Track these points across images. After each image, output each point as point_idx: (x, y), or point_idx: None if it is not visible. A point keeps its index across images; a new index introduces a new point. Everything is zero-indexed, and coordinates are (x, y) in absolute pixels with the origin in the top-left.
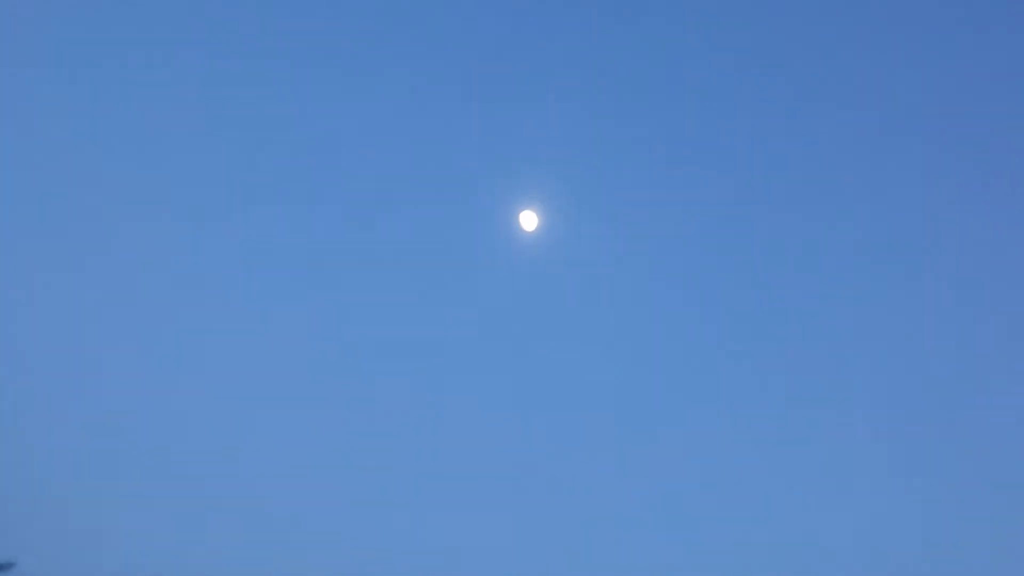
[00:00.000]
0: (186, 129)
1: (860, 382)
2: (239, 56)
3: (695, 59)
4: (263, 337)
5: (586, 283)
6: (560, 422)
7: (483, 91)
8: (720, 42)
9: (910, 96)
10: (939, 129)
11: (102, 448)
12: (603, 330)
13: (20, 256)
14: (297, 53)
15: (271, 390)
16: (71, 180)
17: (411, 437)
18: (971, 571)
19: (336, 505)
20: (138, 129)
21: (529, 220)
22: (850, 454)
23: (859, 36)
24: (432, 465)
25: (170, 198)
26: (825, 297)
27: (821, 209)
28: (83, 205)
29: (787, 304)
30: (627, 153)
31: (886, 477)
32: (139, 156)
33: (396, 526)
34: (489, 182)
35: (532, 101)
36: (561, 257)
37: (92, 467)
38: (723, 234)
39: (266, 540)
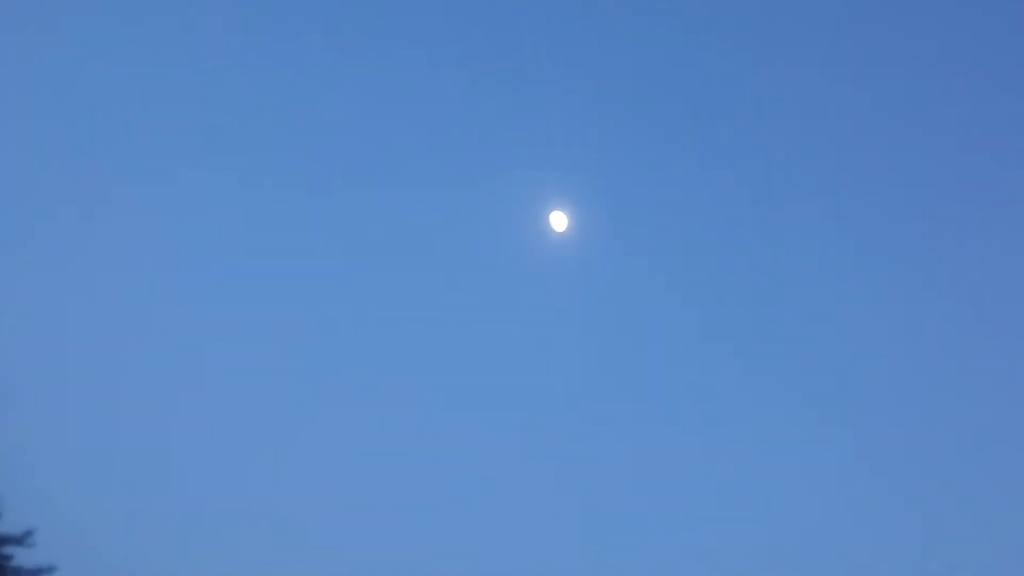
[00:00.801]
0: (195, 128)
1: (877, 385)
2: (251, 51)
3: (729, 66)
4: (288, 338)
5: (615, 284)
6: (585, 420)
7: (514, 92)
8: (759, 53)
9: (918, 100)
10: (943, 130)
11: (114, 449)
12: (632, 330)
13: (19, 256)
14: (324, 50)
15: (298, 393)
16: (70, 179)
17: (434, 436)
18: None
19: (355, 506)
20: (141, 124)
21: (559, 221)
22: (860, 455)
23: (878, 41)
24: (452, 465)
25: (182, 192)
26: (844, 297)
27: (852, 212)
28: (82, 205)
29: (823, 302)
30: (657, 154)
31: (893, 473)
32: (144, 150)
33: (419, 527)
34: (519, 183)
35: (562, 102)
36: (591, 258)
37: (105, 469)
38: (752, 235)
39: (281, 543)
